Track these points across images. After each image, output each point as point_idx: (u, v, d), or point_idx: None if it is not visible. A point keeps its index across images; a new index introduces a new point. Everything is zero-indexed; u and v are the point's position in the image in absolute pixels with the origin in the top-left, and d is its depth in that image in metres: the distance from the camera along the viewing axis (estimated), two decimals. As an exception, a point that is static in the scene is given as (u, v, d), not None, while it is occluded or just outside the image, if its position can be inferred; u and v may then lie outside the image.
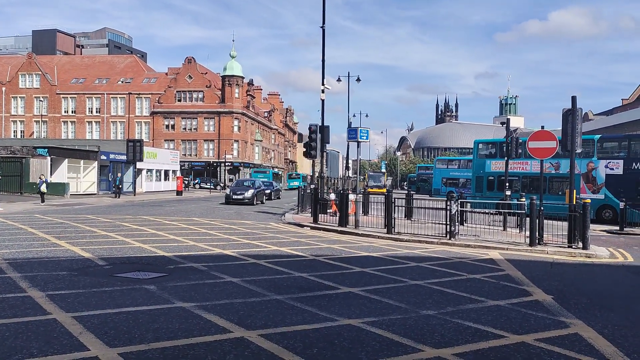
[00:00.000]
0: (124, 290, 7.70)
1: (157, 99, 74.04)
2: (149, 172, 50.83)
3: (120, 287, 7.89)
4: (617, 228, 21.11)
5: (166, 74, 78.43)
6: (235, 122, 73.49)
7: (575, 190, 14.96)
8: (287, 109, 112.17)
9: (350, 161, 48.37)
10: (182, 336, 5.57)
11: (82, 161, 40.55)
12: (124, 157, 42.00)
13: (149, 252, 11.46)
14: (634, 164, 24.72)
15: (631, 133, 28.06)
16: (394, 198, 16.49)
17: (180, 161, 63.40)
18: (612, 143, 26.91)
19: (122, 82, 76.93)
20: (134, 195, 40.17)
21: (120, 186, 38.00)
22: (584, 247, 13.55)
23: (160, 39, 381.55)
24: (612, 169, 25.31)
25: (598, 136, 27.18)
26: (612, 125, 30.61)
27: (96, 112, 75.80)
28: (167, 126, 74.17)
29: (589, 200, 14.48)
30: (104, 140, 62.45)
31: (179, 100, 73.97)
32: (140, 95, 75.30)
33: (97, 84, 77.02)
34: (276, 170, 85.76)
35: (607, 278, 10.54)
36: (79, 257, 10.48)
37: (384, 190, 49.96)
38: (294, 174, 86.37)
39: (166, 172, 55.33)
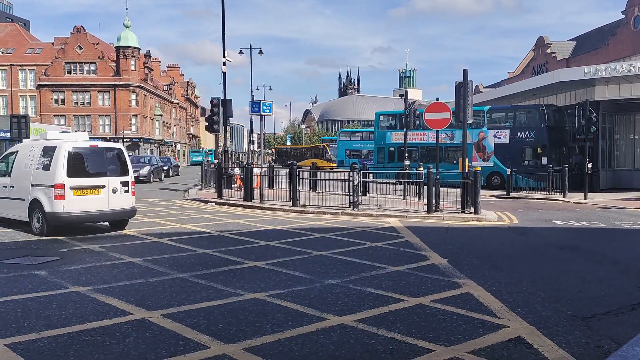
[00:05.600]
0: (11, 277, 7.15)
1: (43, 71, 68.46)
2: (37, 150, 47.16)
3: (6, 274, 7.32)
4: (505, 193, 22.78)
5: (53, 44, 72.54)
6: (133, 96, 69.91)
7: (467, 159, 15.87)
8: (188, 82, 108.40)
9: (254, 135, 47.89)
10: (77, 322, 5.29)
11: (-43, 140, 36.86)
12: (7, 135, 38.49)
13: (39, 236, 10.69)
14: (518, 133, 26.64)
15: (516, 104, 30.14)
16: (299, 171, 16.58)
17: (73, 138, 59.43)
18: (499, 114, 28.76)
19: (2, 52, 70.17)
20: (22, 175, 37.18)
21: None
22: (475, 212, 14.48)
23: (44, 7, 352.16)
24: (500, 138, 27.13)
25: (487, 107, 28.92)
26: (500, 97, 32.63)
27: (-27, 85, 68.80)
28: (57, 100, 68.98)
29: (479, 168, 15.44)
30: (-17, 117, 56.89)
31: (69, 73, 68.89)
32: (24, 67, 69.24)
33: (-28, 54, 69.72)
34: (207, 148, 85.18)
35: (495, 240, 11.36)
36: (-44, 245, 9.56)
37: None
38: (208, 150, 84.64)
39: (57, 150, 51.65)
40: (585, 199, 20.19)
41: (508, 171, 23.14)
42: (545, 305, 6.06)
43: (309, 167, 27.04)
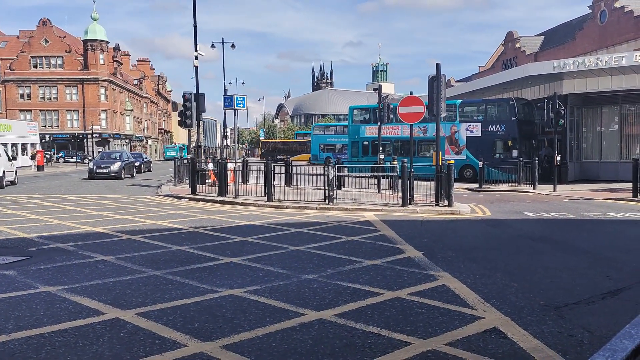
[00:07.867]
0: (-22, 278, 6.93)
1: (8, 65, 66.55)
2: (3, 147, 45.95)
3: (-28, 275, 7.09)
4: (477, 185, 23.10)
5: (18, 37, 70.68)
6: (102, 90, 68.52)
7: (440, 152, 16.02)
8: (159, 76, 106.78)
9: (228, 130, 47.52)
10: (49, 323, 5.15)
11: None
12: (-29, 131, 37.49)
13: (6, 235, 10.42)
14: (490, 126, 27.03)
15: (487, 98, 30.53)
16: (273, 165, 16.51)
17: (40, 133, 58.09)
18: (471, 107, 29.13)
19: (-37, 45, 68.06)
20: (-13, 172, 36.12)
21: None
22: (449, 205, 14.65)
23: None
24: (472, 131, 27.49)
25: (459, 101, 29.24)
26: (472, 91, 33.03)
27: None
28: (23, 95, 67.21)
29: (452, 161, 15.60)
30: (-55, 112, 55.10)
31: (35, 67, 67.16)
32: (-12, 61, 67.20)
33: None
34: (181, 144, 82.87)
35: (469, 232, 11.51)
36: None
37: None
38: (182, 146, 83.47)
39: (24, 146, 50.45)
40: (554, 190, 20.61)
41: (480, 164, 23.46)
42: (518, 296, 6.16)
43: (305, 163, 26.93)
